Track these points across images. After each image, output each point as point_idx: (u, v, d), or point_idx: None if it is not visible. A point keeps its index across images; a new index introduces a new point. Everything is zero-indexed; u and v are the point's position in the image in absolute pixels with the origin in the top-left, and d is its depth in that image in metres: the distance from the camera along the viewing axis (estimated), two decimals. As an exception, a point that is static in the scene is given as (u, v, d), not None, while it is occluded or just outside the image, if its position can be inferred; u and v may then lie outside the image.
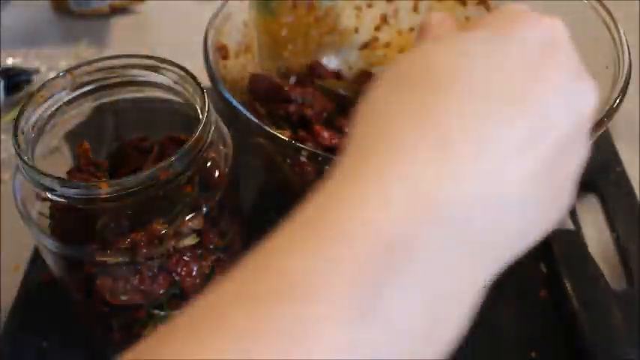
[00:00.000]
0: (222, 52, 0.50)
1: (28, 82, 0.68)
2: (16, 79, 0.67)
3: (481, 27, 0.27)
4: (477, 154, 0.22)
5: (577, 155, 0.28)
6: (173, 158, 0.37)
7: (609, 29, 0.46)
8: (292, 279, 0.19)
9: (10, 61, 0.72)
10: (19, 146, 0.38)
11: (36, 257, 0.52)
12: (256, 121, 0.41)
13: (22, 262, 0.53)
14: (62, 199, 0.37)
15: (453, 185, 0.21)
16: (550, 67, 0.25)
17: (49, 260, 0.42)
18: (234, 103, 0.43)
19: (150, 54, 0.43)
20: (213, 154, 0.41)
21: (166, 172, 0.37)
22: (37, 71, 0.69)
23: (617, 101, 0.42)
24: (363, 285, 0.19)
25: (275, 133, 0.40)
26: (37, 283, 0.51)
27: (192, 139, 0.38)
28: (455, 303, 0.22)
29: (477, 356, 0.46)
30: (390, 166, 0.21)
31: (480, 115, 0.22)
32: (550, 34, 0.27)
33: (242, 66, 0.53)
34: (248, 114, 0.42)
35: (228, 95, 0.44)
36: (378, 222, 0.20)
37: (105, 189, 0.36)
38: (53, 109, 0.41)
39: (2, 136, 0.64)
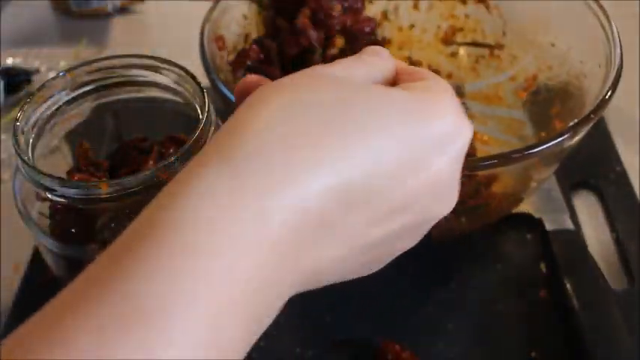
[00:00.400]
0: (219, 43, 0.50)
1: (28, 82, 0.68)
2: (16, 79, 0.67)
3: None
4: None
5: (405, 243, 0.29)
6: (173, 158, 0.37)
7: (604, 28, 0.46)
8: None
9: (10, 61, 0.72)
10: (19, 146, 0.38)
11: (36, 257, 0.52)
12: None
13: (22, 262, 0.53)
14: (62, 199, 0.37)
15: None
16: (439, 165, 0.26)
17: (49, 260, 0.42)
18: (229, 94, 0.43)
19: (150, 54, 0.43)
20: None
21: (166, 172, 0.37)
22: (37, 71, 0.69)
23: (607, 97, 0.42)
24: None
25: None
26: (37, 283, 0.51)
27: (192, 139, 0.38)
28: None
29: (477, 356, 0.46)
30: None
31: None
32: (454, 131, 0.27)
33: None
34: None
35: (222, 87, 0.43)
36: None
37: (105, 189, 0.36)
38: (53, 109, 0.42)
39: (2, 136, 0.64)
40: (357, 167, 0.23)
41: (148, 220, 0.22)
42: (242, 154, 0.22)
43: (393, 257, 0.28)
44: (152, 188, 0.37)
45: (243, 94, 0.28)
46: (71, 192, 0.36)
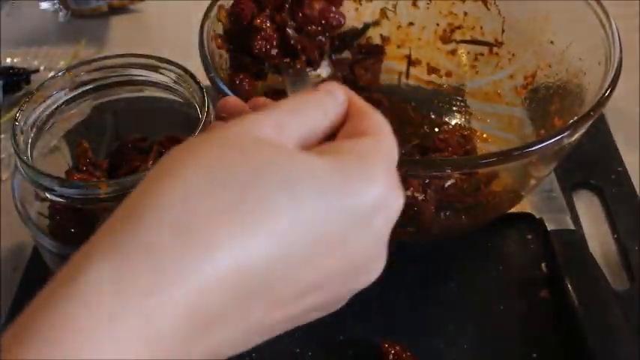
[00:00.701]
0: (219, 41, 0.50)
1: (28, 81, 0.68)
2: (15, 79, 0.67)
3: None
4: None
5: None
6: None
7: (603, 26, 0.46)
8: None
9: (9, 61, 0.71)
10: (17, 146, 0.38)
11: (36, 257, 0.52)
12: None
13: (22, 262, 0.53)
14: (61, 199, 0.37)
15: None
16: (358, 239, 0.25)
17: (49, 260, 0.42)
18: (228, 93, 0.43)
19: (150, 53, 0.43)
20: None
21: None
22: (36, 71, 0.69)
23: (606, 94, 0.42)
24: None
25: None
26: (36, 283, 0.51)
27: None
28: None
29: (478, 356, 0.46)
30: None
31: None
32: (380, 205, 0.25)
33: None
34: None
35: (222, 85, 0.43)
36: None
37: (104, 189, 0.36)
38: (52, 108, 0.42)
39: (2, 136, 0.64)
40: (257, 253, 0.22)
41: (32, 316, 0.22)
42: (132, 249, 0.21)
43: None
44: None
45: (222, 114, 0.27)
46: (70, 192, 0.36)
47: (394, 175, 0.26)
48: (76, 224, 0.40)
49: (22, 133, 0.39)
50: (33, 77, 0.68)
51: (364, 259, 0.26)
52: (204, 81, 0.42)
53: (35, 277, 0.51)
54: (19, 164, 0.38)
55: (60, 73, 0.42)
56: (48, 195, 0.37)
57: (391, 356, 0.44)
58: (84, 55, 0.72)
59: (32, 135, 0.40)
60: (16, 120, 0.39)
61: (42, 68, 0.70)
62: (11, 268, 0.53)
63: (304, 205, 0.23)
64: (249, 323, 0.23)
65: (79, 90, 0.43)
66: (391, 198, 0.26)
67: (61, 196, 0.37)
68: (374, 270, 0.27)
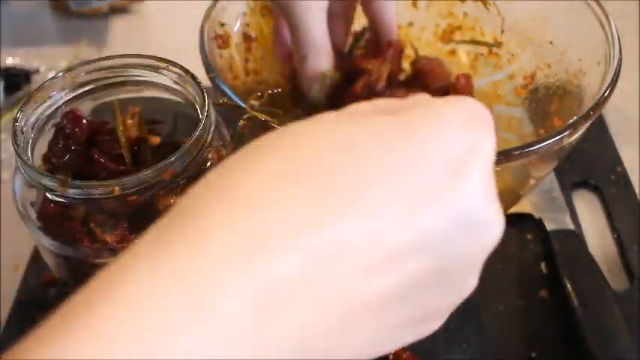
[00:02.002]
0: (219, 41, 0.50)
1: (28, 81, 0.68)
2: (16, 79, 0.67)
3: (385, 114, 0.23)
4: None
5: (460, 287, 0.25)
6: (173, 158, 0.37)
7: (603, 27, 0.46)
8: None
9: (9, 61, 0.72)
10: (18, 146, 0.38)
11: (36, 257, 0.52)
12: (255, 114, 0.41)
13: (22, 262, 0.53)
14: (62, 200, 0.37)
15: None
16: (455, 191, 0.22)
17: (49, 260, 0.42)
18: (227, 91, 0.43)
19: (150, 54, 0.43)
20: (212, 154, 0.41)
21: (169, 171, 0.37)
22: (36, 71, 0.69)
23: (606, 94, 0.42)
24: None
25: (274, 124, 0.40)
26: (37, 283, 0.51)
27: (192, 139, 0.38)
28: None
29: (478, 356, 0.46)
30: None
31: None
32: (467, 148, 0.23)
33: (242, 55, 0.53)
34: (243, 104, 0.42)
35: (222, 85, 0.43)
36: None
37: (106, 189, 0.36)
38: (53, 108, 0.41)
39: (2, 136, 0.64)
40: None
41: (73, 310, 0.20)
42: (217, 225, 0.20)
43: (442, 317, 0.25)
44: (153, 188, 0.37)
45: None
46: (71, 192, 0.36)
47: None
48: (71, 224, 0.40)
49: (22, 133, 0.39)
50: (33, 77, 0.69)
51: (470, 213, 0.23)
52: (206, 82, 0.42)
53: (36, 277, 0.51)
54: (20, 164, 0.38)
55: (60, 74, 0.42)
56: (49, 195, 0.37)
57: (391, 356, 0.44)
58: (84, 55, 0.72)
59: (33, 135, 0.40)
60: (16, 120, 0.39)
61: (42, 69, 0.71)
62: (12, 268, 0.53)
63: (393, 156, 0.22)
64: (335, 297, 0.21)
65: (79, 90, 0.43)
66: (481, 134, 0.24)
67: (61, 196, 0.37)
68: (489, 226, 0.24)
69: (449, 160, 0.22)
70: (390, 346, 0.24)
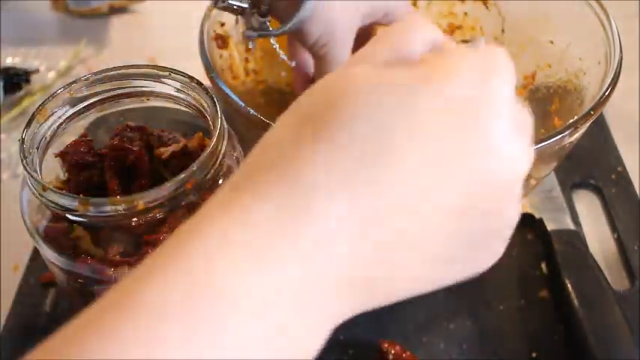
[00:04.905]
0: (219, 41, 0.50)
1: (27, 81, 0.68)
2: (15, 79, 0.67)
3: (408, 66, 0.25)
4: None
5: (504, 214, 0.26)
6: (195, 167, 0.36)
7: (603, 26, 0.46)
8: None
9: (9, 61, 0.72)
10: (28, 166, 0.36)
11: (36, 257, 0.52)
12: (255, 113, 0.41)
13: (22, 262, 0.53)
14: (84, 219, 0.36)
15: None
16: (484, 127, 0.24)
17: (57, 274, 0.41)
18: (228, 91, 0.43)
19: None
20: (226, 161, 0.40)
21: (192, 181, 0.35)
22: (36, 71, 0.69)
23: (606, 94, 0.42)
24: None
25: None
26: (37, 283, 0.51)
27: (208, 150, 0.36)
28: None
29: (477, 356, 0.46)
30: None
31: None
32: (494, 86, 0.25)
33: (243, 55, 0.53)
34: (249, 109, 0.42)
35: (223, 85, 0.43)
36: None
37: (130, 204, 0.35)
38: (55, 126, 0.40)
39: (2, 136, 0.64)
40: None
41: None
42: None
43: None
44: (178, 198, 0.36)
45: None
46: (92, 211, 0.35)
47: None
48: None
49: (30, 154, 0.38)
50: (33, 77, 0.69)
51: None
52: (204, 81, 0.42)
53: (36, 277, 0.51)
54: (34, 190, 0.36)
55: (59, 91, 0.40)
56: (68, 216, 0.36)
57: (391, 356, 0.44)
58: (84, 56, 0.73)
59: (38, 155, 0.39)
60: (22, 142, 0.37)
61: (42, 68, 0.70)
62: (12, 268, 0.53)
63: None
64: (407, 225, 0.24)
65: (80, 106, 0.41)
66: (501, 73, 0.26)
67: (83, 215, 0.35)
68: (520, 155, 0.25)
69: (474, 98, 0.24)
70: (443, 280, 0.28)
